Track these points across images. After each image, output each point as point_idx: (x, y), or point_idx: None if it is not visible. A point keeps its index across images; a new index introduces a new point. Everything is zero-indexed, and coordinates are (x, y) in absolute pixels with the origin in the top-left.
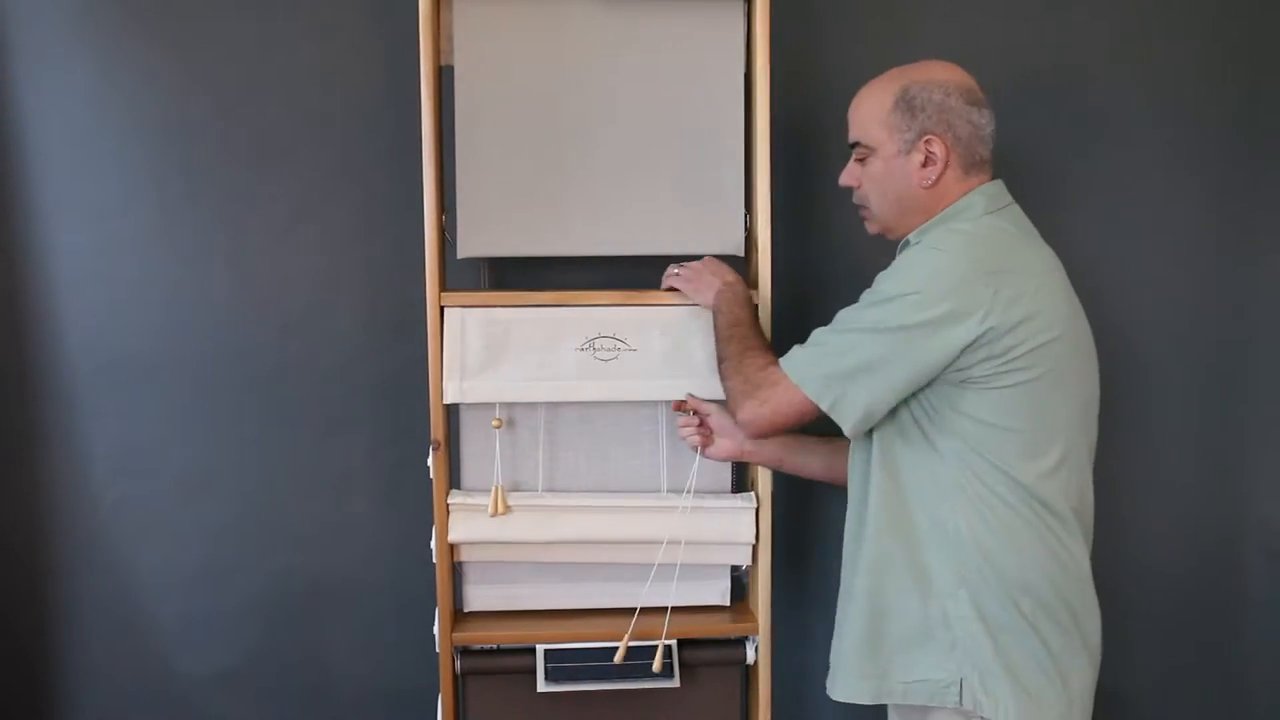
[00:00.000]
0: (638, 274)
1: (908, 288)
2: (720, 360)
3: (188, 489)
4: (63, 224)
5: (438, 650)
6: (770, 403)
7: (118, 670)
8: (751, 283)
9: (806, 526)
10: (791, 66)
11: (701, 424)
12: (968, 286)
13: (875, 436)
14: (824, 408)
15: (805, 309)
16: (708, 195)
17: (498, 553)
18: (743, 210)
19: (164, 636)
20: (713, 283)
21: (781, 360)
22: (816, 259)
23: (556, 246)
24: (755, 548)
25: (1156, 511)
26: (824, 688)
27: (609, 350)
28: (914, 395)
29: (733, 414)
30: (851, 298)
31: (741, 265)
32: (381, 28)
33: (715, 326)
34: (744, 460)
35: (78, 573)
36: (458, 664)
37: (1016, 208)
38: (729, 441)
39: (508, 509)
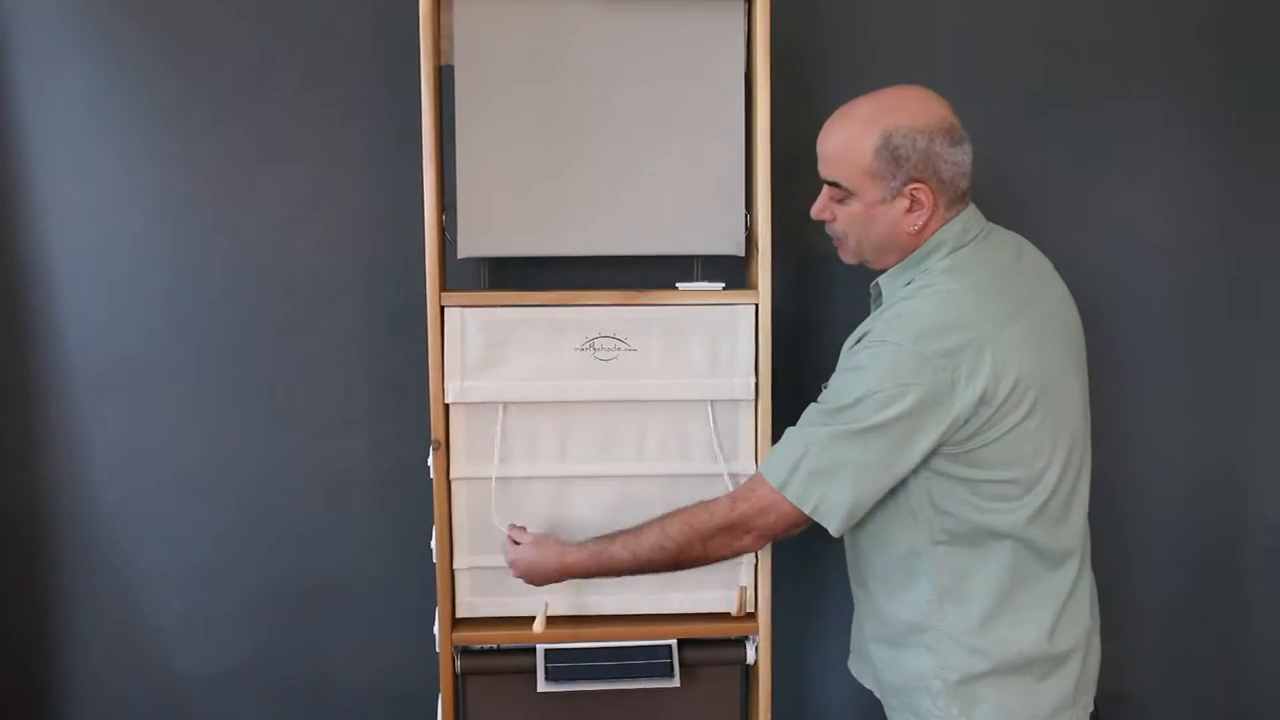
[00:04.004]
0: (638, 274)
1: (869, 388)
2: (663, 564)
3: (188, 489)
4: (62, 223)
5: (438, 650)
6: (760, 528)
7: (118, 670)
8: (751, 283)
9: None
10: (792, 66)
11: None
12: (927, 376)
13: None
14: (807, 511)
15: (805, 310)
16: (708, 195)
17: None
18: (743, 210)
19: (164, 636)
20: (549, 572)
21: (762, 466)
22: (816, 259)
23: (557, 246)
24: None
25: (1156, 511)
26: (824, 688)
27: (609, 350)
28: None
29: (724, 556)
30: (851, 298)
31: (741, 265)
32: (381, 28)
33: (609, 571)
34: None
35: (78, 573)
36: (458, 664)
37: (982, 236)
38: None
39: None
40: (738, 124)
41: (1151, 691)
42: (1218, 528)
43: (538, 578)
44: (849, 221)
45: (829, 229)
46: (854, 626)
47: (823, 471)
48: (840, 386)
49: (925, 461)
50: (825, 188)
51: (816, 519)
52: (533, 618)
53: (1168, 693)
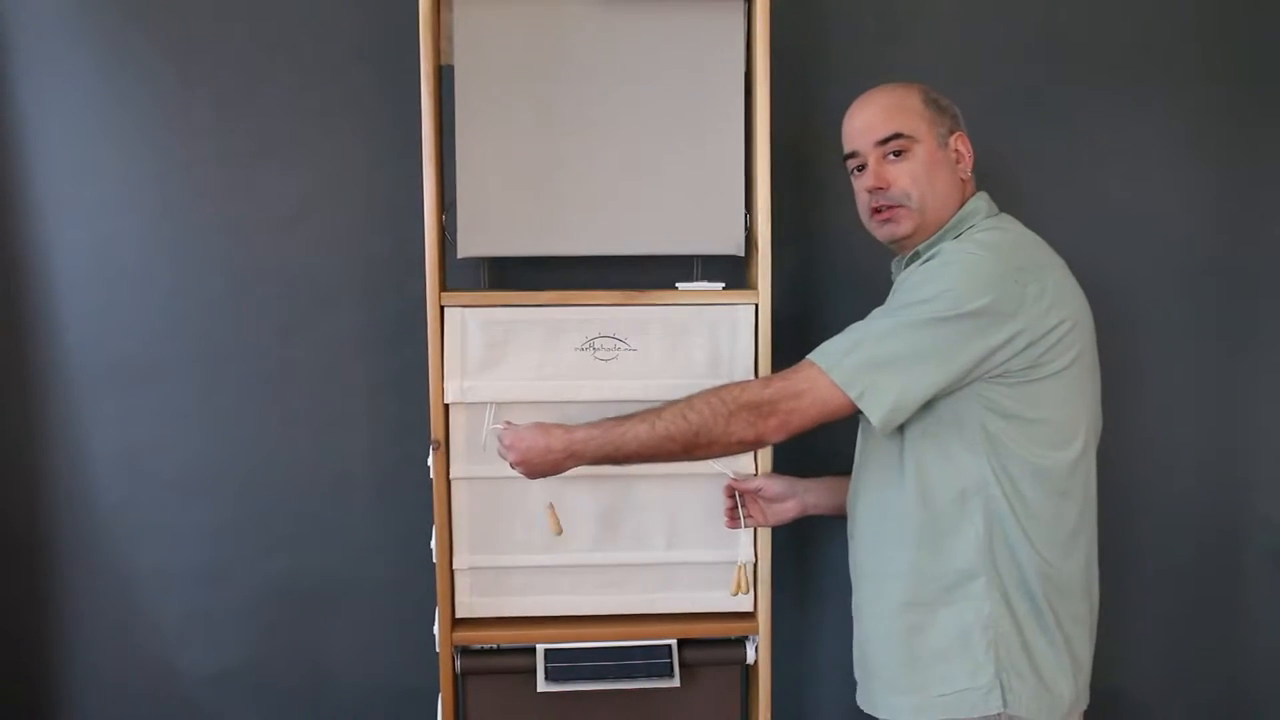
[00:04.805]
0: (638, 274)
1: (942, 287)
2: (679, 441)
3: (188, 489)
4: (63, 223)
5: (438, 650)
6: (791, 411)
7: (118, 670)
8: (751, 283)
9: (807, 526)
10: (792, 66)
11: (744, 502)
12: (1000, 284)
13: (905, 441)
14: (852, 396)
15: (805, 309)
16: (708, 195)
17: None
18: (743, 210)
19: (164, 636)
20: (551, 451)
21: (813, 353)
22: (816, 259)
23: (556, 246)
24: (755, 548)
25: (1156, 511)
26: (824, 688)
27: (609, 350)
28: (942, 396)
29: (747, 438)
30: (851, 298)
31: (741, 265)
32: (381, 27)
33: (620, 452)
34: (805, 516)
35: (78, 573)
36: (458, 663)
37: (1006, 214)
38: (791, 504)
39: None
40: (737, 124)
41: (1151, 691)
42: (1219, 528)
43: (538, 461)
44: (911, 178)
45: (880, 199)
46: (857, 644)
47: (877, 360)
48: (909, 288)
49: (981, 392)
50: (875, 155)
51: (861, 406)
52: (533, 618)
53: (1168, 693)
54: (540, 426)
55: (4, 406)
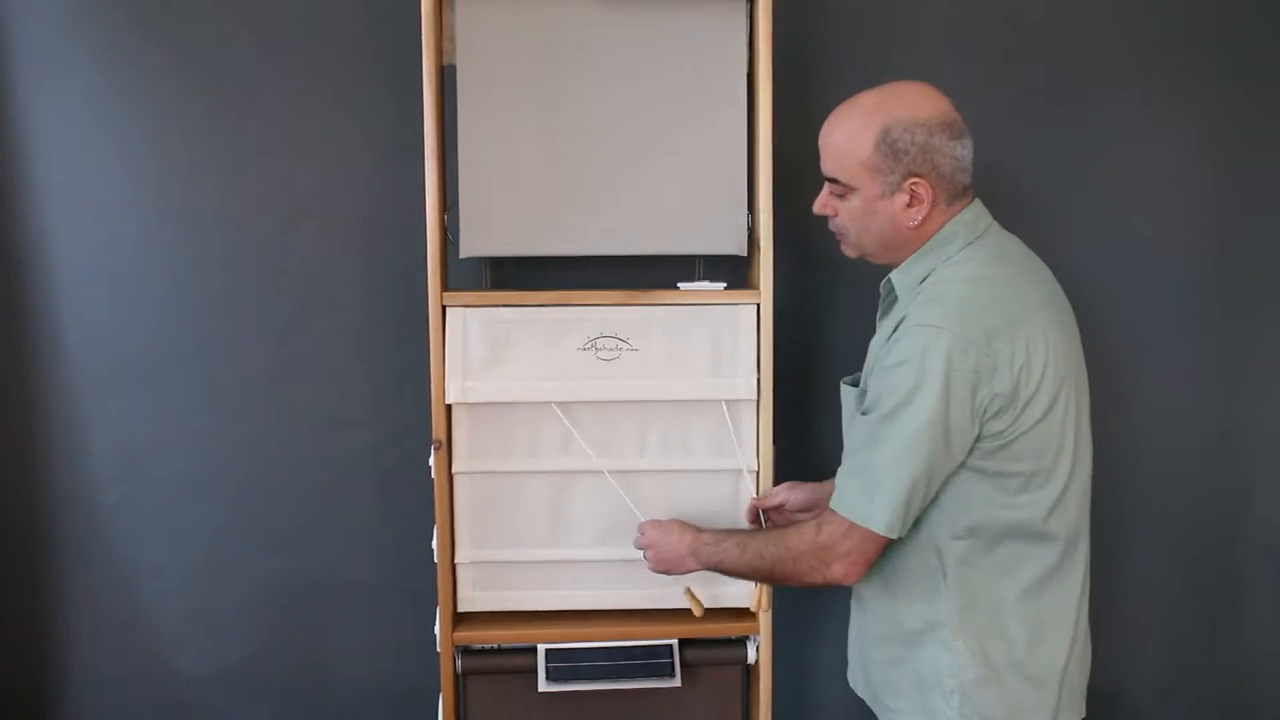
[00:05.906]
0: (639, 274)
1: (919, 378)
2: (762, 572)
3: (188, 489)
4: (63, 224)
5: (438, 650)
6: (847, 554)
7: (118, 670)
8: (753, 282)
9: None
10: (794, 65)
11: (769, 518)
12: (969, 356)
13: None
14: (897, 535)
15: (807, 309)
16: (710, 194)
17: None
18: (745, 210)
19: (164, 636)
20: (679, 550)
21: (835, 504)
22: (818, 259)
23: (558, 246)
24: None
25: (1156, 511)
26: (824, 687)
27: (611, 350)
28: None
29: (818, 580)
30: (853, 298)
31: (743, 265)
32: (382, 27)
33: (721, 565)
34: None
35: (78, 573)
36: (458, 663)
37: (995, 229)
38: (816, 512)
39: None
40: (740, 123)
41: (1151, 691)
42: (1219, 527)
43: (667, 549)
44: (850, 217)
45: (831, 224)
46: (851, 638)
47: (900, 492)
48: (886, 385)
49: (963, 462)
50: (827, 183)
51: (904, 531)
52: (534, 617)
53: (1168, 693)
54: (679, 522)
55: (4, 406)
